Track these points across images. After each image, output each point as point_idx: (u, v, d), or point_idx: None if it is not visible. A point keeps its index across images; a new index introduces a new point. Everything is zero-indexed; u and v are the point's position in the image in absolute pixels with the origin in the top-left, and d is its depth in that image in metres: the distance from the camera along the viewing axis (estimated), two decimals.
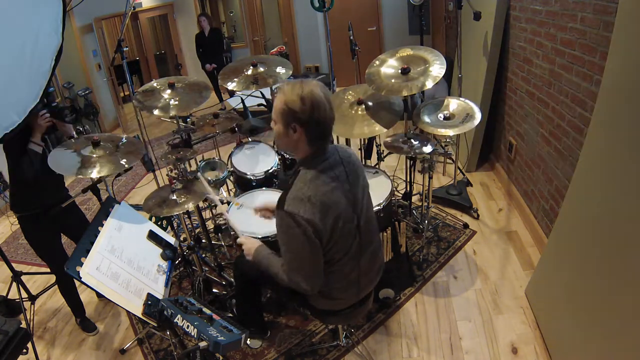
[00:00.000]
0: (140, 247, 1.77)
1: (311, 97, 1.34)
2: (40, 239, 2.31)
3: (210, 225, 3.14)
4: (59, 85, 5.39)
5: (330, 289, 1.62)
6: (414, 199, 3.24)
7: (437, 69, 2.33)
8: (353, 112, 2.52)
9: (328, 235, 1.44)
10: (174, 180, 2.24)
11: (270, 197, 2.53)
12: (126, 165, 2.14)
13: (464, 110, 2.53)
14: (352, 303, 1.71)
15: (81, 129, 5.61)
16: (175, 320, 1.39)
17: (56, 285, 2.48)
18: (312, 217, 1.38)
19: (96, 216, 1.70)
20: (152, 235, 1.85)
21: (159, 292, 1.63)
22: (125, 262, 1.61)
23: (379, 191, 2.31)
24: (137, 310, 1.46)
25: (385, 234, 2.25)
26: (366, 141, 2.93)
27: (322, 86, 1.40)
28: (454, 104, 2.59)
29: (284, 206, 1.41)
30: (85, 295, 2.82)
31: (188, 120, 2.89)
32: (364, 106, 2.51)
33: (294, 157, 1.55)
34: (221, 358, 2.07)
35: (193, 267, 2.56)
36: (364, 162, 2.89)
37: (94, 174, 2.04)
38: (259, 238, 2.19)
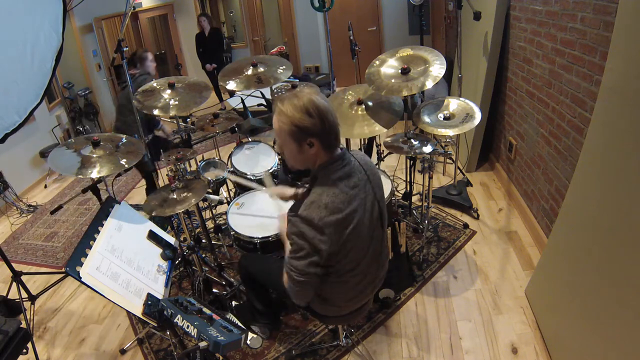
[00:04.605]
0: (140, 247, 1.77)
1: (315, 107, 1.29)
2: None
3: (210, 225, 3.14)
4: (59, 85, 5.40)
5: (336, 297, 1.61)
6: (414, 199, 3.24)
7: (437, 69, 2.33)
8: (353, 112, 2.52)
9: (339, 245, 1.38)
10: (174, 180, 2.24)
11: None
12: (126, 165, 2.14)
13: (464, 110, 2.53)
14: (355, 309, 1.70)
15: (81, 129, 5.63)
16: (175, 320, 1.39)
17: (56, 285, 2.48)
18: (327, 225, 1.32)
19: (96, 216, 1.70)
20: (152, 235, 1.86)
21: (159, 292, 1.63)
22: (125, 262, 1.61)
23: None
24: (137, 310, 1.46)
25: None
26: (366, 141, 2.93)
27: (316, 91, 1.36)
28: (454, 104, 2.59)
29: (298, 210, 1.35)
30: (85, 295, 2.82)
31: (188, 120, 2.89)
32: (364, 106, 2.51)
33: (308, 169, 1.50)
34: (221, 358, 2.07)
35: (193, 267, 2.56)
36: None
37: (94, 174, 2.04)
38: (258, 238, 2.20)
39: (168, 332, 1.56)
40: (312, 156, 1.39)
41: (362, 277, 1.57)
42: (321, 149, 1.37)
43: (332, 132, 1.36)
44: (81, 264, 1.45)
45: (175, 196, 2.16)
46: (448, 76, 4.31)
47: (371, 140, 2.86)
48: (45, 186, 4.76)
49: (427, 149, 2.45)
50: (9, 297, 2.57)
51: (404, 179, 3.10)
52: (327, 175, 1.38)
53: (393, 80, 2.38)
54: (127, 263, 1.62)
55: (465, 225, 3.02)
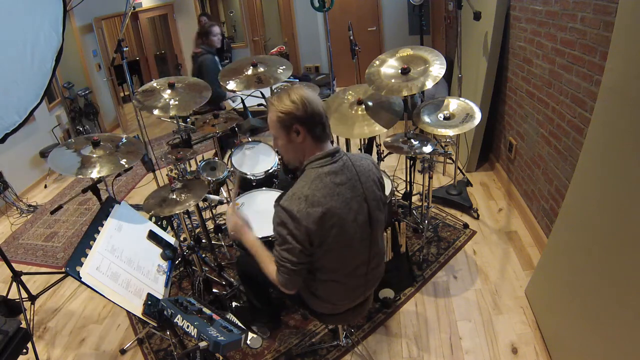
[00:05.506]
0: (140, 247, 1.77)
1: (299, 96, 1.38)
2: None
3: (210, 225, 3.14)
4: (59, 85, 5.40)
5: (329, 295, 1.60)
6: (414, 199, 3.24)
7: (437, 69, 2.33)
8: (353, 112, 2.52)
9: (319, 240, 1.40)
10: (174, 180, 2.24)
11: (271, 197, 2.53)
12: (126, 165, 2.14)
13: (464, 110, 2.53)
14: (353, 306, 1.71)
15: (81, 129, 5.63)
16: (175, 320, 1.39)
17: (56, 285, 2.47)
18: (306, 217, 1.34)
19: (96, 216, 1.70)
20: (152, 235, 1.86)
21: (159, 292, 1.63)
22: (125, 262, 1.61)
23: None
24: (137, 310, 1.46)
25: (385, 234, 2.25)
26: (366, 141, 2.93)
27: (307, 86, 1.43)
28: (454, 104, 2.59)
29: (280, 200, 1.40)
30: (85, 295, 2.82)
31: (188, 120, 2.89)
32: (364, 106, 2.51)
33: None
34: (221, 358, 2.07)
35: (193, 267, 2.56)
36: None
37: (94, 174, 2.04)
38: (258, 238, 2.19)
39: (168, 332, 1.56)
40: (300, 146, 1.43)
41: (352, 277, 1.57)
42: (308, 137, 1.41)
43: (316, 120, 1.40)
44: (81, 264, 1.45)
45: (175, 196, 2.16)
46: (448, 76, 4.31)
47: (371, 140, 2.86)
48: (45, 186, 4.76)
49: (427, 149, 2.45)
50: (9, 297, 2.57)
51: (404, 179, 3.10)
52: (313, 169, 1.42)
53: (393, 80, 2.38)
54: (127, 263, 1.62)
55: (465, 225, 3.02)
